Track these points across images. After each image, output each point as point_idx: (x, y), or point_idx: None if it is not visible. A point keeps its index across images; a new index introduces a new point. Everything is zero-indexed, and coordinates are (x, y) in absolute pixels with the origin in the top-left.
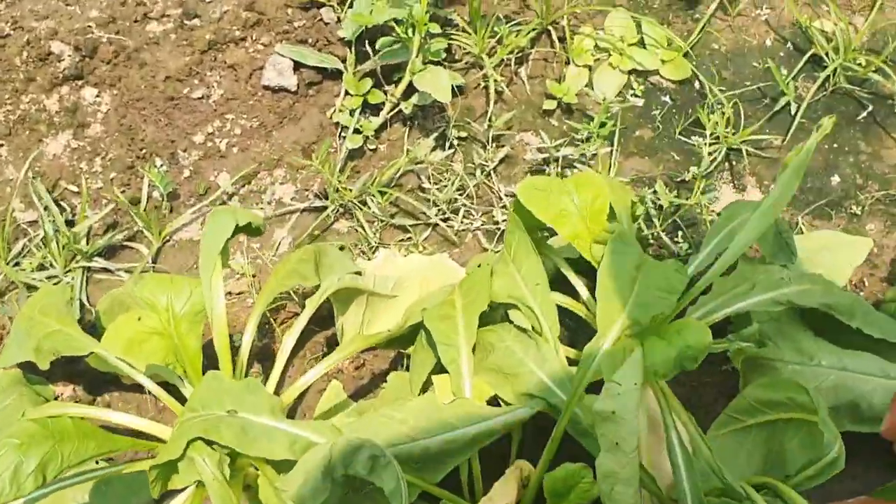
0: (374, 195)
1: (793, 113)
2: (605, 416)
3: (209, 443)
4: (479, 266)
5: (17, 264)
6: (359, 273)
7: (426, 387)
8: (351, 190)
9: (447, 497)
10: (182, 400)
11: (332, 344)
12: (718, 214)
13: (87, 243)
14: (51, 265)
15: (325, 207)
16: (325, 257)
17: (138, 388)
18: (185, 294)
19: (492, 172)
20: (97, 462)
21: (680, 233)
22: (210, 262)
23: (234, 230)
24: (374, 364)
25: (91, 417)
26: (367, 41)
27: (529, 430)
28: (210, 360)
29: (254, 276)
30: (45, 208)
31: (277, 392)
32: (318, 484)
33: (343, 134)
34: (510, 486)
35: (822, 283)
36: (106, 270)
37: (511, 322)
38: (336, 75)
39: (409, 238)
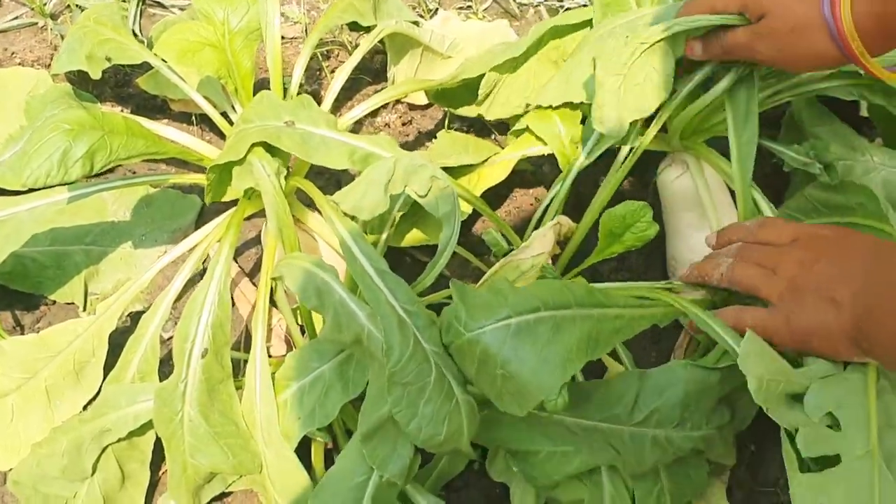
0: None
1: None
2: None
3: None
4: None
5: None
6: (416, 24)
7: None
8: None
9: (502, 224)
10: (233, 124)
11: None
12: None
13: None
14: None
15: None
16: (383, 2)
17: (186, 116)
18: (242, 9)
19: None
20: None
21: None
22: None
23: None
24: (420, 123)
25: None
26: None
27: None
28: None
29: (307, 24)
30: None
31: None
32: (378, 197)
33: None
34: (548, 238)
35: None
36: (160, 6)
37: None
38: None
39: (469, 6)
